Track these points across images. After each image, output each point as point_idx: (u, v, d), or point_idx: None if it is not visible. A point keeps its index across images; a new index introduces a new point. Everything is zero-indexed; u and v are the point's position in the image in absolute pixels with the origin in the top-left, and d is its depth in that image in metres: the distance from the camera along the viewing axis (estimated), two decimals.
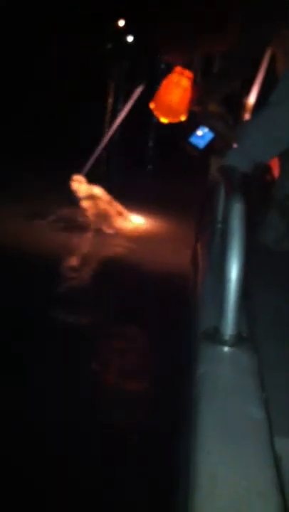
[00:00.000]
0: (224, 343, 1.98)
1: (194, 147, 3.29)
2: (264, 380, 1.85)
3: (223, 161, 3.09)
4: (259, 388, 1.73)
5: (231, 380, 1.80)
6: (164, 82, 4.73)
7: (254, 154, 3.02)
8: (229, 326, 1.99)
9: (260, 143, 2.94)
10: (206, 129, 3.26)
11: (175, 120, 4.82)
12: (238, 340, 2.01)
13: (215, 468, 1.42)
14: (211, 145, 3.36)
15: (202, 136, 3.26)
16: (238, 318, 2.04)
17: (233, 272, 2.03)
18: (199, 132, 3.26)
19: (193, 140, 3.28)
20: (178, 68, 4.72)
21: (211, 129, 3.26)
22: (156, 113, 4.86)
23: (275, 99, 3.11)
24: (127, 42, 46.05)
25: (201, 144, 3.27)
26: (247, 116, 4.91)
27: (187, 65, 5.64)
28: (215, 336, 2.02)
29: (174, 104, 4.65)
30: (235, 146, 3.20)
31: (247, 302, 2.43)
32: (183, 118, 4.83)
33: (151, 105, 4.85)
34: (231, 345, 1.97)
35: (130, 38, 45.80)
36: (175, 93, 4.63)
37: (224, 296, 2.01)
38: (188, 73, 4.66)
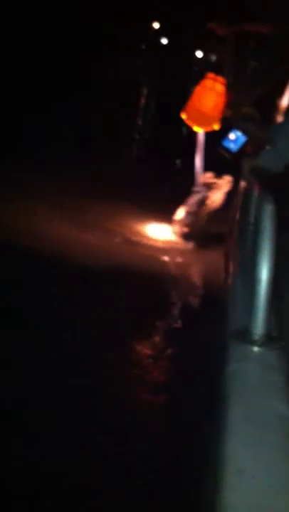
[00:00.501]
0: (254, 342, 2.02)
1: (228, 150, 3.32)
2: None
3: (256, 163, 3.11)
4: (287, 387, 1.77)
5: (260, 379, 1.83)
6: (197, 89, 4.68)
7: (288, 155, 3.03)
8: (259, 326, 2.03)
9: None
10: (238, 133, 3.29)
11: (209, 128, 4.76)
12: (268, 340, 2.04)
13: (243, 463, 1.46)
14: (244, 147, 3.38)
15: (235, 140, 3.29)
16: (268, 318, 2.07)
17: (264, 272, 2.06)
18: (232, 136, 3.29)
19: (226, 144, 3.31)
20: (210, 74, 4.69)
21: (244, 132, 3.29)
22: (188, 123, 4.78)
23: None
24: (161, 43, 46.53)
25: (234, 147, 3.30)
26: (280, 118, 4.89)
27: (219, 70, 5.65)
28: (245, 336, 2.06)
29: (208, 110, 4.57)
30: (268, 147, 3.22)
31: (278, 302, 2.46)
32: (216, 126, 4.76)
33: (183, 115, 4.77)
34: (261, 345, 2.01)
35: (164, 41, 46.21)
36: (209, 99, 4.56)
37: (254, 297, 2.05)
38: (220, 79, 4.62)
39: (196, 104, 4.69)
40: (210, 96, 4.59)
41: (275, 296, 2.36)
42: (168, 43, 48.58)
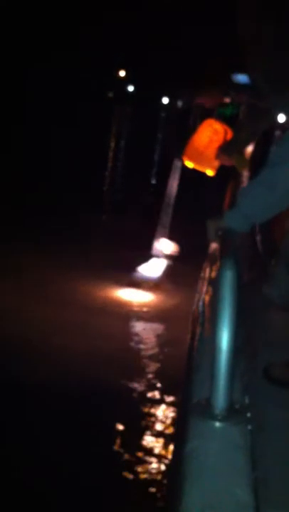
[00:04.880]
0: (215, 417, 1.99)
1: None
2: (258, 452, 1.87)
3: (221, 223, 3.13)
4: (249, 467, 1.74)
5: (220, 459, 1.80)
6: (198, 128, 4.75)
7: (251, 216, 3.05)
8: (220, 399, 2.01)
9: (257, 205, 2.96)
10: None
11: (201, 167, 4.81)
12: (230, 414, 2.02)
13: None
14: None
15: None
16: (230, 389, 2.06)
17: (224, 341, 2.05)
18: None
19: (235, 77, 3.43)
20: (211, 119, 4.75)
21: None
22: (184, 157, 4.84)
23: (276, 159, 3.13)
24: (127, 91, 48.01)
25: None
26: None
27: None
28: (206, 409, 2.04)
29: (201, 146, 4.64)
30: (232, 208, 3.26)
31: (248, 363, 2.46)
32: (210, 172, 4.80)
33: (184, 154, 4.83)
34: (222, 420, 1.99)
35: (131, 88, 47.81)
36: (204, 133, 4.63)
37: (215, 368, 2.04)
38: (224, 125, 4.66)
39: (193, 139, 4.76)
40: (206, 131, 4.66)
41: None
42: (134, 90, 50.28)
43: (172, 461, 2.13)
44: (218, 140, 4.54)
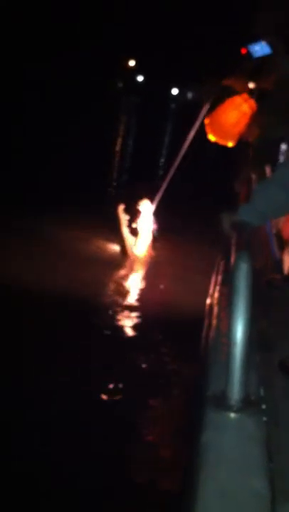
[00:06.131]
0: (230, 408, 2.02)
1: (250, 53, 3.50)
2: (274, 443, 1.90)
3: (236, 216, 3.15)
4: (265, 458, 1.77)
5: (236, 450, 1.83)
6: (226, 102, 4.88)
7: (265, 212, 3.08)
8: (235, 390, 2.04)
9: (270, 203, 2.99)
10: (265, 44, 3.46)
11: (223, 142, 4.98)
12: (246, 405, 2.05)
13: None
14: (264, 59, 3.57)
15: (260, 48, 3.45)
16: (245, 381, 2.09)
17: (238, 334, 2.08)
18: (260, 44, 3.46)
19: (251, 48, 3.47)
20: (244, 95, 4.86)
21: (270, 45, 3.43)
22: (207, 129, 5.01)
23: None
24: (137, 81, 48.00)
25: (258, 53, 3.46)
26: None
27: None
28: (221, 400, 2.06)
29: (228, 125, 4.80)
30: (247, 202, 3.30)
31: (263, 355, 2.49)
32: (231, 144, 5.00)
33: (206, 120, 5.01)
34: (238, 411, 2.01)
35: (140, 78, 47.76)
36: (232, 114, 4.78)
37: (230, 360, 2.06)
38: (252, 102, 4.79)
39: (220, 115, 4.92)
40: (234, 111, 4.80)
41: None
42: (144, 80, 50.09)
43: (188, 451, 2.15)
44: (245, 121, 4.68)
